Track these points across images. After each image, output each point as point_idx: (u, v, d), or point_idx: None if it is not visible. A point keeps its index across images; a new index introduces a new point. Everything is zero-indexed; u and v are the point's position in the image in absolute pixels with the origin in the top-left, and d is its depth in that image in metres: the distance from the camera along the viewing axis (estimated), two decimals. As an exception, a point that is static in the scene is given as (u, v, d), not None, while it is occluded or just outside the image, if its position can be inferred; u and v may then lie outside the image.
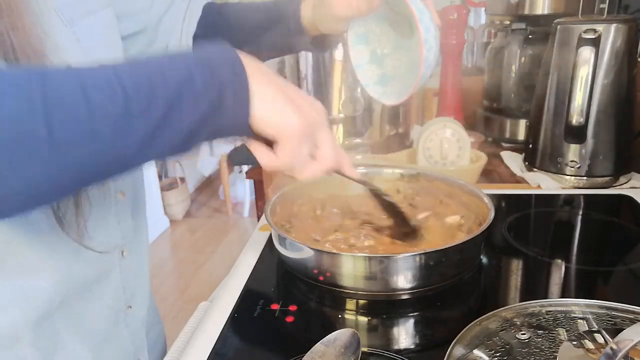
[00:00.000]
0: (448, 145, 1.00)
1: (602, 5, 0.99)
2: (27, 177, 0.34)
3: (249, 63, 0.43)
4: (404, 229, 0.71)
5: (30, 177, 0.34)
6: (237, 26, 0.70)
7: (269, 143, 0.46)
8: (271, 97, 0.43)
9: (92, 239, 0.50)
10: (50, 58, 0.45)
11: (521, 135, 1.24)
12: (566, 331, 0.50)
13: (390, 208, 0.72)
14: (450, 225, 0.75)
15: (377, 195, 0.70)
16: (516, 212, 0.90)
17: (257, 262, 0.74)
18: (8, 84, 0.33)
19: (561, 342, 0.48)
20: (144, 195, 0.66)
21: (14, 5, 0.42)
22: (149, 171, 2.99)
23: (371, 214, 0.76)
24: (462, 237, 0.67)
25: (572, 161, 0.99)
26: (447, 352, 0.47)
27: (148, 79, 0.38)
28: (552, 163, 1.02)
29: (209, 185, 4.11)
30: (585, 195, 0.96)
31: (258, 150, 0.46)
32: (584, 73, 0.94)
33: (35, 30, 0.44)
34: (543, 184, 1.01)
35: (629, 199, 0.93)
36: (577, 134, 0.97)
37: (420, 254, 0.60)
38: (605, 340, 0.47)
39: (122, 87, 0.36)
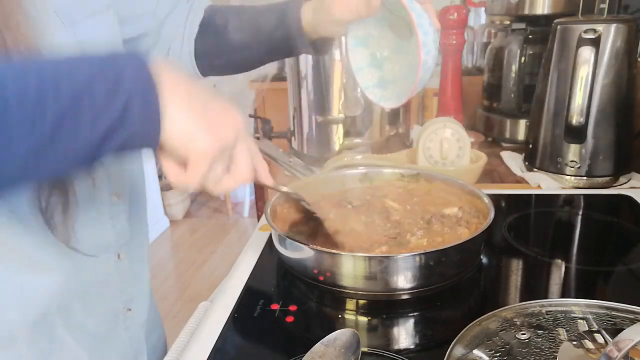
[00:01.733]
0: (448, 145, 1.00)
1: (602, 5, 0.99)
2: None
3: (163, 73, 0.39)
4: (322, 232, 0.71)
5: None
6: (238, 29, 0.70)
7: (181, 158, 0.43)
8: (183, 115, 0.40)
9: (81, 241, 0.50)
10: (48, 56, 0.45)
11: (521, 135, 1.24)
12: (566, 331, 0.50)
13: (308, 214, 0.72)
14: (448, 216, 0.75)
15: (296, 200, 0.70)
16: (516, 212, 0.90)
17: (257, 262, 0.74)
18: None
19: (561, 342, 0.48)
20: (144, 199, 0.65)
21: (5, 3, 0.41)
22: (149, 171, 2.99)
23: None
24: (464, 233, 0.67)
25: (572, 161, 0.99)
26: (447, 352, 0.47)
27: (36, 87, 0.34)
28: (552, 163, 1.02)
29: (209, 185, 4.10)
30: (585, 195, 0.96)
31: (168, 167, 0.43)
32: (584, 73, 0.94)
33: (30, 29, 0.43)
34: (543, 184, 1.01)
35: (629, 199, 0.93)
36: (577, 134, 0.97)
37: (420, 254, 0.60)
38: (605, 340, 0.47)
39: (2, 92, 0.33)
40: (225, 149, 0.43)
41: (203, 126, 0.41)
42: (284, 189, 0.66)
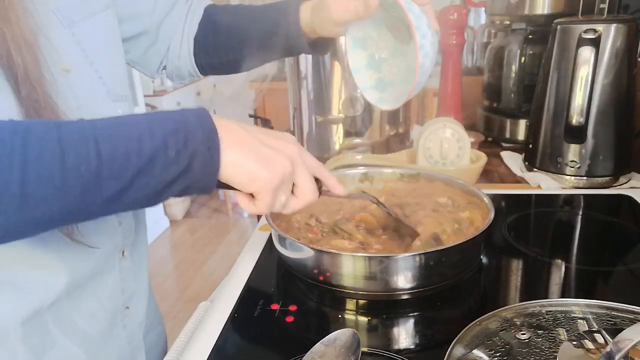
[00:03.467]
0: (448, 145, 1.00)
1: (602, 5, 0.99)
2: None
3: (223, 127, 0.44)
4: (402, 232, 0.71)
5: None
6: (236, 29, 0.70)
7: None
8: (241, 158, 0.44)
9: (85, 236, 0.50)
10: (43, 54, 0.45)
11: (521, 135, 1.24)
12: (566, 331, 0.50)
13: (386, 214, 0.72)
14: (439, 204, 0.78)
15: (376, 203, 0.70)
16: (516, 212, 0.90)
17: (257, 262, 0.74)
18: None
19: (561, 342, 0.48)
20: None
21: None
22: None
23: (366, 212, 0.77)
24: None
25: (572, 161, 0.99)
26: (447, 352, 0.47)
27: (124, 146, 0.39)
28: (552, 163, 1.02)
29: (209, 185, 4.10)
30: (585, 195, 0.96)
31: (240, 199, 0.49)
32: (584, 73, 0.93)
33: (28, 23, 0.44)
34: (543, 184, 1.01)
35: (629, 199, 0.93)
36: (577, 134, 0.97)
37: (420, 254, 0.60)
38: (605, 340, 0.47)
39: (97, 150, 0.38)
40: (284, 179, 0.47)
41: (259, 164, 0.45)
42: (354, 194, 0.68)
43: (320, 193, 0.54)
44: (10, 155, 0.35)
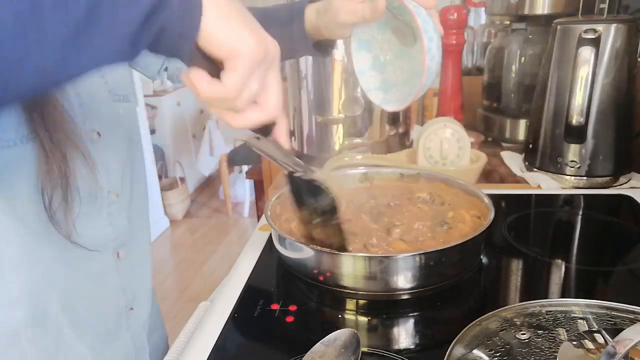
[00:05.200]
0: (448, 145, 1.00)
1: (602, 5, 0.99)
2: None
3: None
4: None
5: None
6: None
7: (212, 73, 0.40)
8: (227, 11, 0.37)
9: (81, 236, 0.50)
10: None
11: (521, 135, 1.24)
12: (566, 331, 0.50)
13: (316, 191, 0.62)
14: (424, 199, 0.81)
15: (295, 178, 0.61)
16: (516, 212, 0.90)
17: (257, 262, 0.74)
18: None
19: (561, 342, 0.48)
20: (146, 198, 0.65)
21: None
22: (149, 171, 2.99)
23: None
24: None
25: (572, 161, 0.99)
26: (447, 352, 0.47)
27: None
28: (552, 163, 1.02)
29: (209, 185, 4.11)
30: (585, 195, 0.96)
31: (198, 77, 0.39)
32: (584, 73, 0.94)
33: None
34: (543, 184, 1.01)
35: (629, 199, 0.93)
36: (577, 134, 0.97)
37: (420, 254, 0.60)
38: (605, 340, 0.47)
39: None
40: (267, 57, 0.40)
41: (246, 27, 0.38)
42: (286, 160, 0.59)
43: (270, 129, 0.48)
44: None
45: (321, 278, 0.64)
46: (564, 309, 0.54)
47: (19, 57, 0.30)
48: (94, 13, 0.31)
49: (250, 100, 0.42)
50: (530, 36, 1.21)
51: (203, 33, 0.37)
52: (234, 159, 3.38)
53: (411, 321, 0.61)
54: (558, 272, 0.71)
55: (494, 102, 1.32)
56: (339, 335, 0.52)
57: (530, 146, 1.08)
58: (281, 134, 0.50)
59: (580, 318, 0.52)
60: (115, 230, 0.58)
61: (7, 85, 0.31)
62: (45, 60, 0.31)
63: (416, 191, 0.84)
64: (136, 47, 0.34)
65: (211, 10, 0.37)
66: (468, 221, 0.74)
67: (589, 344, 0.47)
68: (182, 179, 3.56)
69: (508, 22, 1.31)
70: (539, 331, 0.50)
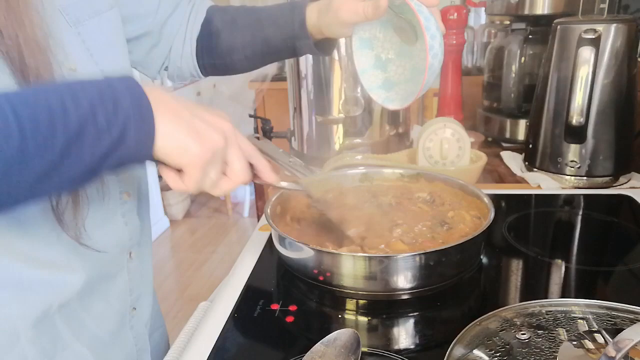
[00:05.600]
0: (448, 145, 1.00)
1: (602, 5, 0.99)
2: None
3: (154, 96, 0.42)
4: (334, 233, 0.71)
5: None
6: (240, 30, 0.70)
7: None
8: (173, 130, 0.42)
9: (94, 239, 0.50)
10: (55, 55, 0.45)
11: (521, 135, 1.24)
12: (566, 331, 0.50)
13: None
14: (424, 199, 0.81)
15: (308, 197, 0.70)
16: (516, 212, 0.90)
17: (257, 262, 0.74)
18: None
19: (561, 342, 0.48)
20: (148, 197, 0.66)
21: (20, 1, 0.42)
22: (150, 171, 2.99)
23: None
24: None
25: (572, 161, 0.99)
26: (447, 352, 0.47)
27: (47, 115, 0.36)
28: (552, 163, 1.02)
29: (209, 185, 4.10)
30: (585, 195, 0.96)
31: (166, 175, 0.46)
32: (584, 73, 0.93)
33: (41, 26, 0.44)
34: (543, 184, 1.01)
35: (629, 199, 0.93)
36: (577, 134, 0.97)
37: (420, 254, 0.60)
38: (605, 340, 0.47)
39: (18, 123, 0.34)
40: (215, 154, 0.45)
41: (191, 137, 0.43)
42: (284, 184, 0.63)
43: (253, 177, 0.53)
44: None
45: (321, 278, 0.64)
46: (564, 309, 0.54)
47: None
48: (63, 159, 0.37)
49: (213, 184, 0.47)
50: (530, 36, 1.21)
51: (156, 155, 0.43)
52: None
53: (411, 321, 0.61)
54: (558, 272, 0.71)
55: (494, 102, 1.32)
56: (339, 335, 0.52)
57: (530, 146, 1.08)
58: (266, 177, 0.55)
59: (580, 318, 0.52)
60: (129, 230, 0.58)
61: None
62: (17, 193, 0.37)
63: (416, 191, 0.84)
64: (94, 177, 0.41)
65: (161, 135, 0.42)
66: (468, 221, 0.74)
67: (589, 344, 0.47)
68: (182, 179, 3.56)
69: (508, 22, 1.31)
70: (539, 331, 0.50)
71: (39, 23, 0.44)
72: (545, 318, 0.52)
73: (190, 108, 0.45)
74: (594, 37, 0.93)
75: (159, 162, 0.45)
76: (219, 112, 0.48)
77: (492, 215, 0.68)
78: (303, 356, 0.50)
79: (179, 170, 0.45)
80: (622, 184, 1.00)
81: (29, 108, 0.36)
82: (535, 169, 1.06)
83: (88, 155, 0.38)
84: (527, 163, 1.09)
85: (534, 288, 0.68)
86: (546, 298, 0.62)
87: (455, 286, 0.66)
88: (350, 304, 0.64)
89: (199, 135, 0.44)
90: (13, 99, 0.36)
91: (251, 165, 0.52)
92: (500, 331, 0.50)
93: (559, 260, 0.74)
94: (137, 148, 0.41)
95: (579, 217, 0.91)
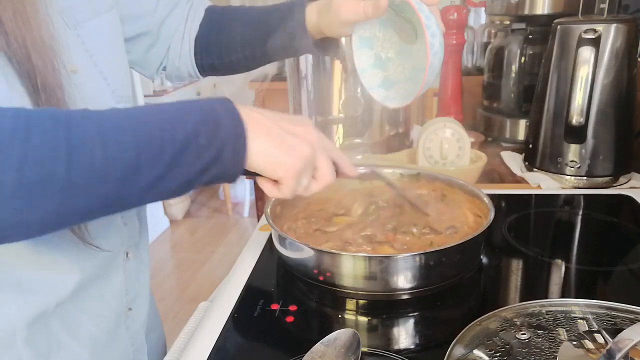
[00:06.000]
0: (448, 145, 1.00)
1: (602, 5, 0.99)
2: (40, 213, 0.36)
3: (245, 113, 0.45)
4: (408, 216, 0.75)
5: (43, 213, 0.36)
6: (239, 29, 0.70)
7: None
8: (266, 146, 0.46)
9: (95, 238, 0.50)
10: (60, 56, 0.46)
11: (521, 135, 1.24)
12: (566, 331, 0.50)
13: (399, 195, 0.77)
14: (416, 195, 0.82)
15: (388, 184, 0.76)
16: (516, 212, 0.90)
17: (257, 262, 0.74)
18: (38, 130, 0.35)
19: (561, 342, 0.48)
20: None
21: (26, 3, 0.43)
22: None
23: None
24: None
25: (572, 161, 0.99)
26: (447, 352, 0.47)
27: (159, 132, 0.40)
28: (552, 163, 1.02)
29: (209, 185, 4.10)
30: (585, 195, 0.96)
31: (264, 185, 0.50)
32: (584, 73, 0.93)
33: (47, 28, 0.44)
34: (543, 184, 1.01)
35: (629, 199, 0.93)
36: (577, 134, 0.97)
37: (420, 254, 0.60)
38: (605, 340, 0.47)
39: (134, 137, 0.39)
40: (307, 163, 0.49)
41: (282, 151, 0.47)
42: (368, 174, 0.71)
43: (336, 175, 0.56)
44: (55, 145, 0.35)
45: (321, 278, 0.64)
46: (564, 309, 0.54)
47: (108, 203, 0.40)
48: (168, 171, 0.41)
49: (305, 188, 0.51)
50: (530, 36, 1.21)
51: (251, 168, 0.47)
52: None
53: (411, 321, 0.61)
54: (558, 272, 0.71)
55: (494, 102, 1.32)
56: (339, 335, 0.52)
57: (530, 146, 1.08)
58: (347, 169, 0.58)
59: (580, 318, 0.52)
60: (129, 231, 0.58)
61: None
62: (128, 200, 0.41)
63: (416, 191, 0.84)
64: (188, 190, 0.44)
65: (254, 152, 0.45)
66: (469, 222, 0.74)
67: (589, 344, 0.47)
68: (182, 179, 3.56)
69: (508, 22, 1.31)
70: (539, 331, 0.50)
71: (45, 25, 0.44)
72: (545, 318, 0.52)
73: (277, 121, 0.47)
74: (594, 37, 0.93)
75: (256, 175, 0.48)
76: (300, 119, 0.51)
77: (492, 215, 0.68)
78: (303, 356, 0.50)
79: (275, 181, 0.49)
80: (622, 184, 1.00)
81: (143, 123, 0.40)
82: (535, 169, 1.06)
83: (189, 170, 0.42)
84: (527, 163, 1.09)
85: (534, 288, 0.68)
86: (546, 298, 0.62)
87: (455, 286, 0.66)
88: (350, 304, 0.64)
89: (291, 149, 0.47)
90: (130, 115, 0.41)
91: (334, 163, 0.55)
92: (500, 331, 0.50)
93: (559, 260, 0.74)
94: (231, 164, 0.45)
95: (579, 217, 0.91)
